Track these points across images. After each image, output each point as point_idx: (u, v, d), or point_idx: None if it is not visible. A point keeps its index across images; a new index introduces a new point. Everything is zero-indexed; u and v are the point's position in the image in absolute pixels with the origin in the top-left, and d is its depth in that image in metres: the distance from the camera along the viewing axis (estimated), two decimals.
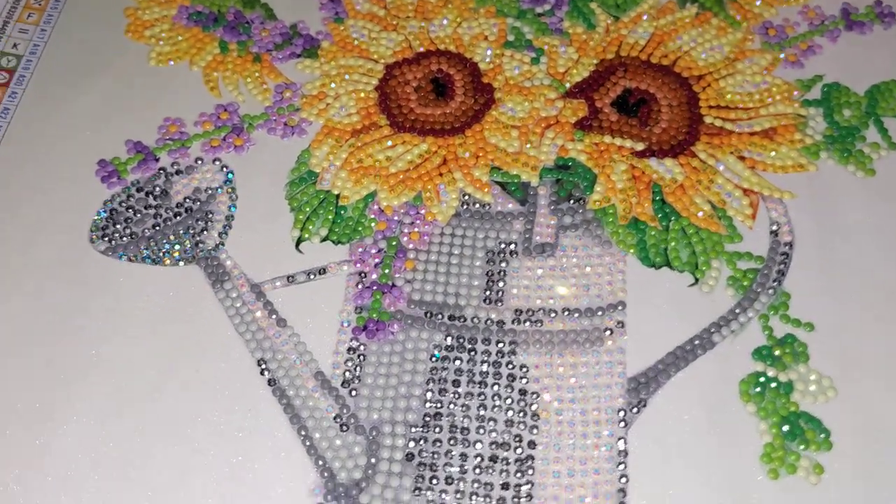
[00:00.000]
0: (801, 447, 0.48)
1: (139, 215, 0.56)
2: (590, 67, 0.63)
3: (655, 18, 0.65)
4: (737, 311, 0.53)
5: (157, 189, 0.57)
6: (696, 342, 0.52)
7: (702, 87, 0.62)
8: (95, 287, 0.54)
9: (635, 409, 0.50)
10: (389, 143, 0.59)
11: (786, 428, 0.48)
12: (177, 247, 0.55)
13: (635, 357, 0.51)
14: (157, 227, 0.56)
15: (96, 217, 0.56)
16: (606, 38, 0.64)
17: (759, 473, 0.47)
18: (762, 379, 0.50)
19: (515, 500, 0.47)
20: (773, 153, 0.58)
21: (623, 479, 0.47)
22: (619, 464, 0.48)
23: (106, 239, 0.55)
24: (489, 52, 0.63)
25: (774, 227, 0.56)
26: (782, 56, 0.63)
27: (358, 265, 0.55)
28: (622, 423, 0.49)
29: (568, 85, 0.62)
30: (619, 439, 0.49)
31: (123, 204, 0.57)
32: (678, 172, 0.57)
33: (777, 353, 0.51)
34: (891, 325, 0.52)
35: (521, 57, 0.63)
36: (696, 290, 0.54)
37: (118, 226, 0.56)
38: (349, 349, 0.52)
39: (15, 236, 0.55)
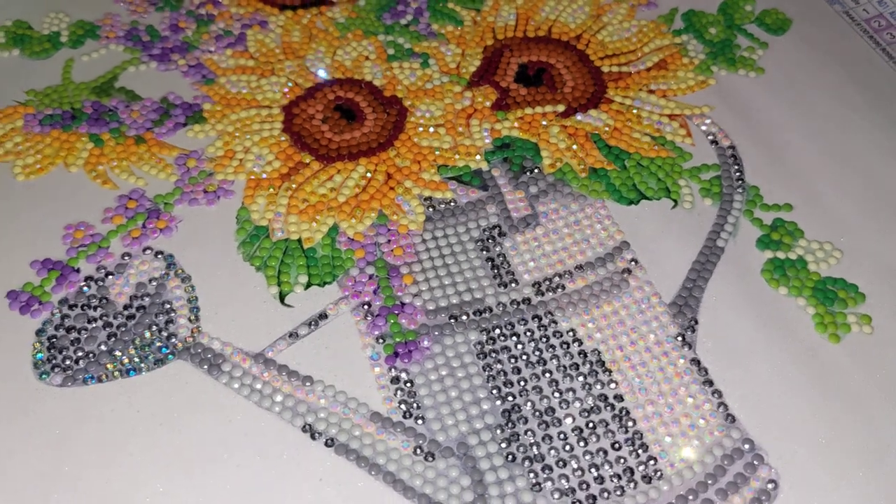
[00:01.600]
0: (842, 307, 0.50)
1: (86, 332, 0.47)
2: (478, 56, 0.63)
3: (512, 0, 0.67)
4: (722, 215, 0.54)
5: (94, 299, 0.49)
6: (706, 253, 0.52)
7: (584, 45, 0.64)
8: (76, 420, 0.44)
9: (691, 330, 0.49)
10: (325, 176, 0.55)
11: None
12: (147, 348, 0.47)
13: (664, 285, 0.51)
14: (115, 337, 0.47)
15: (37, 354, 0.46)
16: (478, 28, 0.65)
17: (822, 343, 0.48)
18: (777, 262, 0.52)
19: (634, 454, 0.44)
20: (673, 80, 0.61)
21: (716, 394, 0.46)
22: (705, 381, 0.47)
23: (58, 370, 0.46)
24: (377, 69, 0.61)
25: (711, 137, 0.58)
26: (636, 3, 0.67)
27: (356, 297, 0.50)
28: (687, 347, 0.48)
29: (467, 77, 0.61)
30: (692, 360, 0.47)
31: (61, 328, 0.48)
32: (607, 119, 0.58)
33: (775, 237, 0.53)
34: (847, 175, 0.56)
35: (411, 64, 0.62)
36: (679, 210, 0.55)
37: (66, 351, 0.47)
38: (392, 380, 0.47)
39: None
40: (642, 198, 0.55)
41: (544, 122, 0.58)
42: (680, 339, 0.48)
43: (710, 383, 0.47)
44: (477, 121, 0.58)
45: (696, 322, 0.49)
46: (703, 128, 0.59)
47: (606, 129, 0.58)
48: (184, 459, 0.43)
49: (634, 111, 0.59)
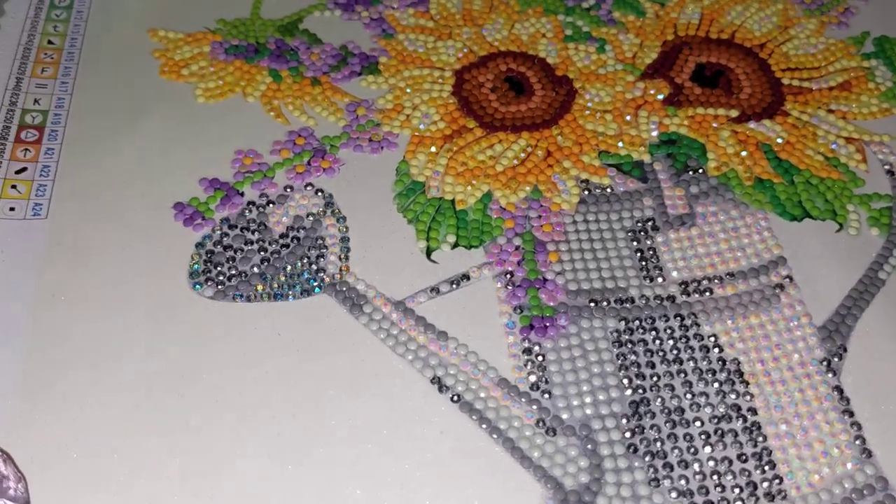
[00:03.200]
0: None
1: (241, 252, 0.50)
2: (656, 49, 0.62)
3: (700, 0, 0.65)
4: (889, 247, 0.52)
5: (253, 223, 0.51)
6: (866, 282, 0.50)
7: (767, 54, 0.62)
8: (221, 333, 0.46)
9: (838, 357, 0.47)
10: (486, 143, 0.55)
11: None
12: (297, 278, 0.48)
13: (815, 307, 0.49)
14: (268, 262, 0.49)
15: (194, 265, 0.49)
16: (660, 21, 0.64)
17: None
18: None
19: (760, 469, 0.43)
20: (855, 103, 0.59)
21: (855, 426, 0.44)
22: (845, 411, 0.45)
23: (211, 284, 0.48)
24: (552, 48, 0.61)
25: (887, 167, 0.56)
26: (825, 17, 0.65)
27: (500, 266, 0.50)
28: (831, 373, 0.46)
29: (642, 68, 0.60)
30: (834, 388, 0.46)
31: (219, 245, 0.50)
32: (781, 131, 0.57)
33: None
34: None
35: (587, 47, 0.62)
36: (843, 234, 0.52)
37: (220, 267, 0.49)
38: (524, 350, 0.47)
39: (97, 301, 0.47)
40: (806, 216, 0.53)
41: (715, 125, 0.57)
42: (825, 363, 0.47)
43: (851, 413, 0.45)
44: (646, 112, 0.58)
45: (845, 350, 0.47)
46: (881, 156, 0.57)
47: (779, 140, 0.56)
48: (315, 387, 0.44)
49: (811, 128, 0.57)
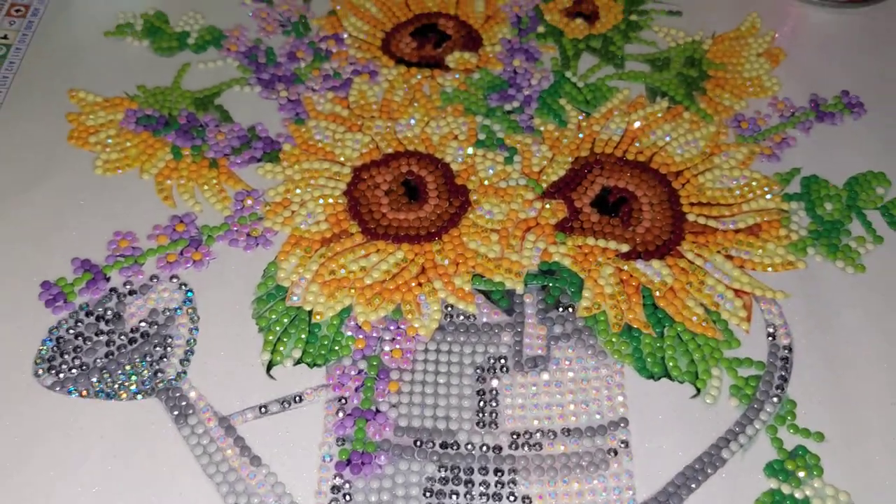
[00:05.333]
0: None
1: (89, 343, 0.51)
2: (565, 166, 0.60)
3: (626, 114, 0.63)
4: (743, 423, 0.50)
5: (109, 312, 0.52)
6: (706, 460, 0.48)
7: (681, 184, 0.60)
8: (45, 425, 0.48)
9: None
10: (363, 252, 0.55)
11: None
12: (133, 378, 0.49)
13: (643, 479, 0.48)
14: (111, 356, 0.50)
15: (42, 348, 0.50)
16: (579, 134, 0.62)
17: None
18: (778, 497, 0.47)
19: None
20: (759, 251, 0.57)
21: None
22: None
23: (53, 372, 0.49)
24: (461, 152, 0.60)
25: (771, 330, 0.54)
26: (758, 148, 0.62)
27: (337, 390, 0.50)
28: None
29: (545, 185, 0.59)
30: None
31: (71, 331, 0.51)
32: (667, 275, 0.55)
33: (789, 467, 0.48)
34: None
35: (494, 156, 0.60)
36: (698, 401, 0.51)
37: (66, 356, 0.50)
38: (333, 488, 0.47)
39: None
40: (665, 375, 0.52)
41: (600, 259, 0.55)
42: None
43: None
44: (534, 237, 0.56)
45: None
46: (768, 316, 0.54)
47: (662, 286, 0.54)
48: (109, 487, 0.45)
49: (701, 275, 0.55)
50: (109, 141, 0.60)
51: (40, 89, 0.63)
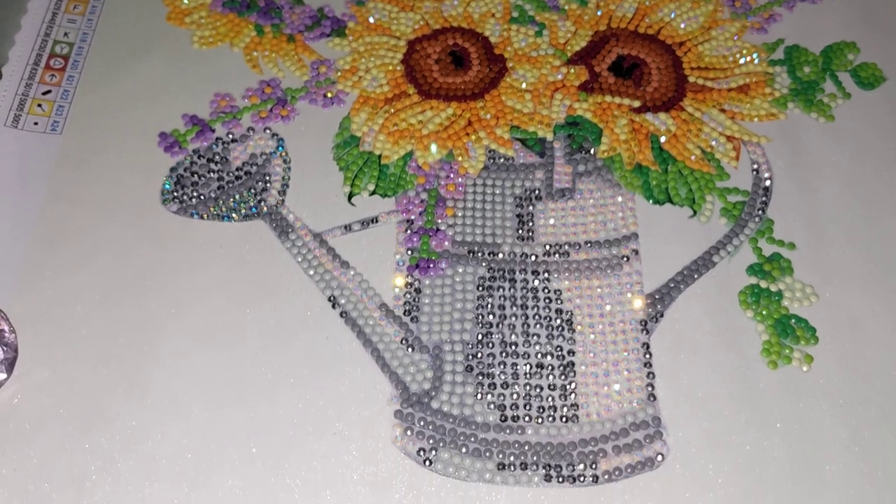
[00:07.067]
0: (793, 343, 0.58)
1: (204, 179, 0.63)
2: (586, 38, 0.72)
3: None
4: (730, 236, 0.62)
5: (217, 156, 0.64)
6: (700, 263, 0.61)
7: (684, 52, 0.71)
8: (173, 244, 0.60)
9: (654, 320, 0.59)
10: (419, 109, 0.67)
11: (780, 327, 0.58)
12: (243, 204, 0.62)
13: (649, 278, 0.60)
14: (222, 189, 0.63)
15: (165, 184, 0.63)
16: (598, 12, 0.73)
17: (760, 365, 0.57)
18: (756, 290, 0.60)
19: (562, 397, 0.55)
20: (748, 105, 0.68)
21: (650, 375, 0.56)
22: (646, 363, 0.57)
23: (176, 201, 0.62)
24: (497, 28, 0.72)
25: (755, 167, 0.66)
26: (749, 23, 0.73)
27: (405, 214, 0.62)
28: (645, 332, 0.58)
29: (569, 54, 0.70)
30: (644, 344, 0.57)
31: (187, 170, 0.63)
32: (671, 124, 0.67)
33: (767, 268, 0.61)
34: (857, 239, 0.62)
35: (526, 30, 0.72)
36: (695, 220, 0.63)
37: (186, 189, 0.62)
38: (406, 284, 0.60)
39: (93, 204, 0.62)
40: (669, 201, 0.64)
41: (616, 112, 0.67)
42: (643, 324, 0.58)
43: (649, 365, 0.57)
44: (561, 95, 0.68)
45: (662, 315, 0.59)
46: (753, 156, 0.66)
47: (663, 139, 0.66)
48: (238, 290, 0.58)
49: (699, 124, 0.67)
50: (202, 21, 0.71)
51: None
